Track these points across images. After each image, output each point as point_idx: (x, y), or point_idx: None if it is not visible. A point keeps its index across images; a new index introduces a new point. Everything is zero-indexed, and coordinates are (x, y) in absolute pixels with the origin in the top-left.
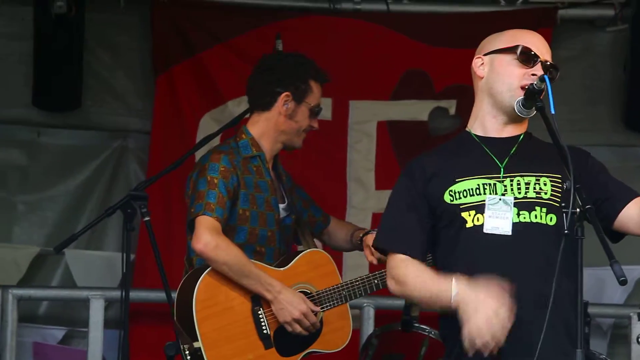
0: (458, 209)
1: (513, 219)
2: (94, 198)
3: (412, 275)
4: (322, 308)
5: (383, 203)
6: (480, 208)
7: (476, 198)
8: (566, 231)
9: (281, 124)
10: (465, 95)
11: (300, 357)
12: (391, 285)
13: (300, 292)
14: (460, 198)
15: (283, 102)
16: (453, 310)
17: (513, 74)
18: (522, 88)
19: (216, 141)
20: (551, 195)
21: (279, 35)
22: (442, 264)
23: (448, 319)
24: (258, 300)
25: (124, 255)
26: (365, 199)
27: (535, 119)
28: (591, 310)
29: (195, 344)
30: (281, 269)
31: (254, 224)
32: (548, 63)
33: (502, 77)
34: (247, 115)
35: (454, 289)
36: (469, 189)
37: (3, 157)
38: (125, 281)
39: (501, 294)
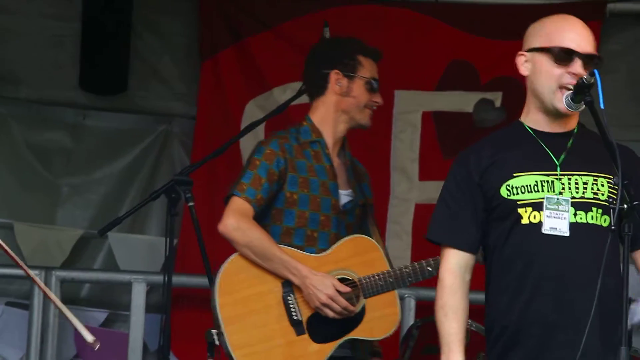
0: (516, 204)
1: (570, 219)
2: (138, 182)
3: (449, 307)
4: (364, 295)
5: (426, 194)
6: (537, 205)
7: (534, 195)
8: (613, 227)
9: (339, 104)
10: (511, 87)
11: (338, 344)
12: (440, 280)
13: (340, 277)
14: (518, 194)
15: (335, 81)
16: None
17: (552, 74)
18: (562, 87)
19: (261, 128)
20: (608, 196)
21: (326, 23)
22: (495, 258)
23: (493, 313)
24: (290, 286)
25: (167, 239)
26: (409, 190)
27: (585, 113)
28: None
29: (214, 331)
30: (318, 255)
31: (303, 207)
32: (589, 55)
33: (542, 79)
34: (293, 102)
35: None
36: (527, 185)
37: (48, 138)
38: (167, 266)
39: None
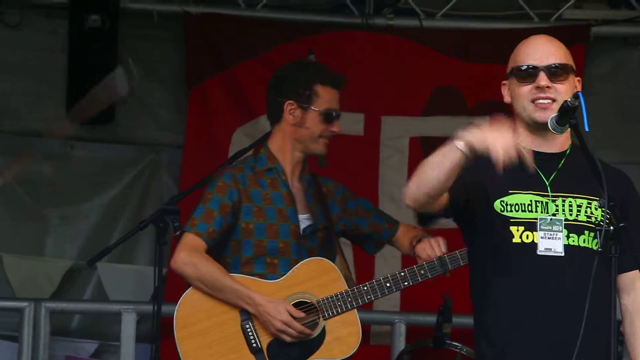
0: (508, 220)
1: (563, 240)
2: (127, 212)
3: (422, 162)
4: (323, 316)
5: (414, 220)
6: (529, 225)
7: (527, 215)
8: (600, 249)
9: (293, 133)
10: (498, 111)
11: None
12: (410, 190)
13: (298, 301)
14: (511, 211)
15: (289, 112)
16: (464, 154)
17: (521, 94)
18: (533, 101)
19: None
20: (598, 220)
21: (311, 50)
22: (479, 270)
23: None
24: (247, 314)
25: (156, 269)
26: (397, 215)
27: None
28: None
29: None
30: (275, 281)
31: (259, 236)
32: (551, 66)
33: (516, 101)
34: None
35: (458, 136)
36: (520, 204)
37: (36, 169)
38: (157, 295)
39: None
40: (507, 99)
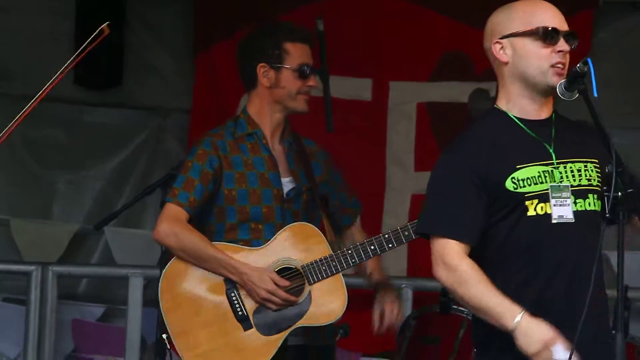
0: (523, 197)
1: (574, 206)
2: (134, 176)
3: (472, 278)
4: (308, 282)
5: (422, 184)
6: (543, 196)
7: (539, 187)
8: (607, 215)
9: (270, 95)
10: None
11: (286, 334)
12: (441, 272)
13: (283, 267)
14: (524, 186)
15: (262, 74)
16: (503, 330)
17: (541, 55)
18: (552, 66)
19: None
20: (597, 181)
21: (320, 15)
22: (496, 249)
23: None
24: (232, 282)
25: None
26: (405, 181)
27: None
28: (632, 294)
29: (164, 335)
30: (259, 248)
31: (242, 202)
32: (569, 33)
33: (531, 61)
34: None
35: (517, 319)
36: (531, 177)
37: (44, 134)
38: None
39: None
40: (503, 58)
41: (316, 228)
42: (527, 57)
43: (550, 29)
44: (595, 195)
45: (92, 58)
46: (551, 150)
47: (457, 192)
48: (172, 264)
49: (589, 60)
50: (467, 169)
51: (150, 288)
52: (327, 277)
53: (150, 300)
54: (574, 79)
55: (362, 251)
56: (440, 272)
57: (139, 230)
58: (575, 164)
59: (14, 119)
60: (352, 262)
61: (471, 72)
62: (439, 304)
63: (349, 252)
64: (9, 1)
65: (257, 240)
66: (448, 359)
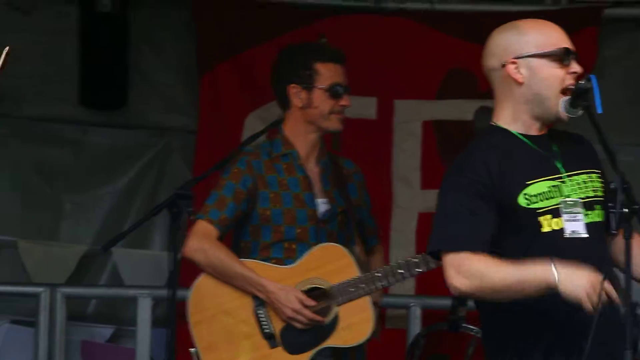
0: (535, 213)
1: (584, 219)
2: (141, 197)
3: (489, 266)
4: (336, 302)
5: (429, 202)
6: (555, 212)
7: (550, 202)
8: (614, 231)
9: (303, 116)
10: None
11: (312, 353)
12: (460, 282)
13: (311, 287)
14: (537, 202)
15: (294, 95)
16: (546, 293)
17: (557, 77)
18: (564, 90)
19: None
20: (601, 191)
21: (323, 35)
22: None
23: (494, 324)
24: (260, 300)
25: (171, 254)
26: (411, 198)
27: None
28: None
29: (192, 350)
30: (287, 266)
31: (277, 222)
32: (576, 54)
33: (546, 83)
34: None
35: (554, 271)
36: (542, 193)
37: (50, 155)
38: (172, 280)
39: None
40: (519, 78)
41: (346, 249)
42: (543, 79)
43: (566, 49)
44: (600, 206)
45: (97, 79)
46: (559, 165)
47: (465, 207)
48: (202, 279)
49: (593, 77)
50: (475, 185)
51: (159, 308)
52: (354, 298)
53: (159, 320)
54: (578, 96)
55: (391, 274)
56: (459, 282)
57: (147, 251)
58: (581, 175)
59: None
60: (380, 285)
61: (476, 89)
62: (448, 322)
63: (378, 274)
64: (12, 22)
65: (289, 259)
66: None
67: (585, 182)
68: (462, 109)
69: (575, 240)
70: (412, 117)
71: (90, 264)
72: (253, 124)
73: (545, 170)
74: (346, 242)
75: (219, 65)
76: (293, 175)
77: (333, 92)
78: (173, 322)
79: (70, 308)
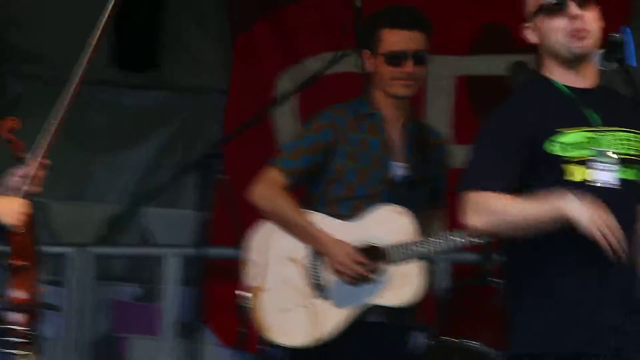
0: (567, 161)
1: (617, 173)
2: (171, 157)
3: (504, 202)
4: (390, 262)
5: (461, 158)
6: (588, 162)
7: (584, 152)
8: None
9: (375, 80)
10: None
11: (359, 309)
12: (476, 220)
13: (368, 245)
14: (570, 151)
15: (367, 60)
16: (559, 222)
17: (554, 29)
18: (569, 33)
19: (294, 100)
20: None
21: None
22: None
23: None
24: (316, 251)
25: (200, 213)
26: None
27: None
28: None
29: (244, 293)
30: (347, 222)
31: (350, 178)
32: None
33: (549, 38)
34: (327, 72)
35: (570, 200)
36: (577, 142)
37: (81, 117)
38: (201, 239)
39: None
40: (533, 39)
41: (411, 213)
42: (546, 33)
43: (554, 0)
44: (638, 166)
45: (129, 39)
46: (597, 117)
47: (490, 150)
48: (266, 225)
49: (627, 29)
50: (509, 127)
51: (187, 267)
52: (408, 260)
53: (187, 279)
54: (611, 49)
55: (449, 241)
56: (475, 219)
57: (177, 210)
58: (623, 132)
59: (60, 104)
60: (436, 252)
61: (510, 44)
62: (476, 275)
63: (435, 240)
64: None
65: (356, 217)
66: (482, 330)
67: (627, 140)
68: (496, 64)
69: (608, 192)
70: (445, 72)
71: (119, 224)
72: (285, 83)
73: (580, 121)
74: (416, 209)
75: (254, 24)
76: (375, 136)
77: (391, 59)
78: (201, 281)
79: (99, 267)
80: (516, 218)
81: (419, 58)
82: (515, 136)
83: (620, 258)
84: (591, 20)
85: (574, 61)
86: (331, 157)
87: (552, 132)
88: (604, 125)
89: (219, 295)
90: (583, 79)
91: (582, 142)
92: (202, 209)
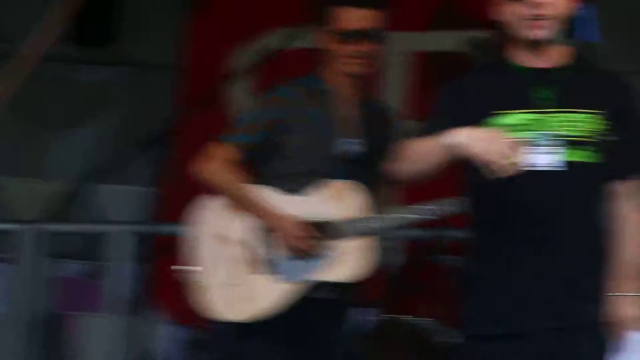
0: None
1: (559, 155)
2: (125, 133)
3: (412, 146)
4: (338, 237)
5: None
6: (529, 143)
7: (522, 134)
8: (596, 163)
9: (329, 57)
10: (500, 26)
11: (306, 283)
12: (396, 168)
13: (316, 220)
14: (506, 132)
15: (321, 37)
16: (452, 154)
17: (513, 13)
18: (526, 19)
19: (251, 76)
20: (594, 133)
21: None
22: (485, 205)
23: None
24: (265, 226)
25: (152, 189)
26: None
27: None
28: None
29: (191, 268)
30: (298, 197)
31: (302, 154)
32: None
33: (509, 19)
34: (285, 48)
35: (453, 134)
36: (516, 124)
37: (35, 92)
38: (151, 215)
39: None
40: (500, 17)
41: (362, 189)
42: (508, 15)
43: None
44: (593, 148)
45: (85, 15)
46: (552, 98)
47: (431, 127)
48: (213, 199)
49: (589, 5)
50: (449, 107)
51: (137, 243)
52: (357, 236)
53: (137, 255)
54: (574, 24)
55: (399, 219)
56: (396, 168)
57: (127, 187)
58: (575, 114)
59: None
60: (386, 228)
61: (466, 20)
62: (427, 252)
63: (385, 216)
64: None
65: (304, 192)
66: (431, 307)
67: (580, 121)
68: (453, 40)
69: (551, 175)
70: (404, 49)
71: (72, 201)
72: (241, 58)
73: (526, 102)
74: (369, 185)
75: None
76: (326, 112)
77: (344, 36)
78: (151, 258)
79: (51, 245)
80: (419, 157)
81: (374, 36)
82: (453, 117)
83: (508, 173)
84: (555, 4)
85: (532, 45)
86: (283, 133)
87: (491, 113)
88: (558, 106)
89: (169, 272)
90: (544, 60)
91: (524, 124)
92: (153, 185)
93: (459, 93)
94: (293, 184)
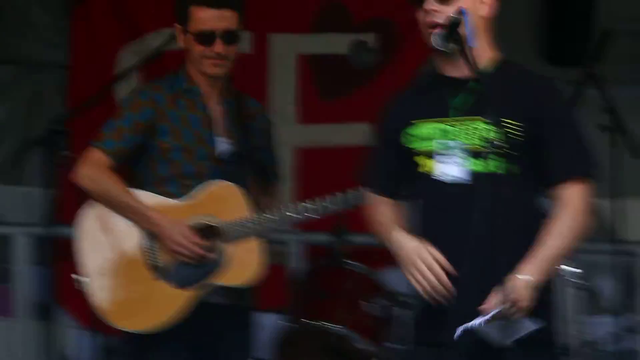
0: (413, 152)
1: (466, 166)
2: (13, 133)
3: (376, 219)
4: (225, 240)
5: (305, 137)
6: (434, 155)
7: (430, 144)
8: (504, 172)
9: (189, 57)
10: (384, 28)
11: (198, 290)
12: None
13: (201, 224)
14: (417, 142)
15: (179, 35)
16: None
17: (421, 23)
18: (428, 28)
19: (135, 75)
20: (504, 141)
21: None
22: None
23: None
24: (149, 232)
25: (47, 190)
26: (287, 134)
27: None
28: None
29: (78, 277)
30: (179, 201)
31: (175, 157)
32: None
33: (420, 26)
34: (169, 49)
35: (394, 238)
36: (426, 135)
37: None
38: (47, 217)
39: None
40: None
41: (241, 189)
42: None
43: None
44: (496, 156)
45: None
46: (462, 107)
47: (373, 143)
48: (94, 208)
49: (463, 10)
50: (382, 122)
51: (35, 246)
52: (243, 238)
53: (37, 258)
54: (451, 30)
55: (282, 217)
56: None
57: (21, 187)
58: (482, 123)
59: None
60: (270, 227)
61: (349, 23)
62: (329, 258)
63: (269, 216)
64: None
65: (184, 195)
66: (337, 312)
67: (487, 131)
68: (336, 43)
69: (454, 186)
70: (287, 50)
71: None
72: (126, 58)
73: (439, 112)
74: (244, 183)
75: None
76: (195, 112)
77: (200, 38)
78: (51, 260)
79: None
80: (379, 239)
81: (228, 37)
82: (384, 131)
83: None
84: (450, 13)
85: (442, 55)
86: (154, 136)
87: (408, 124)
88: (467, 115)
89: (70, 274)
90: (460, 69)
91: (433, 134)
92: (48, 186)
93: (390, 108)
94: (171, 187)
